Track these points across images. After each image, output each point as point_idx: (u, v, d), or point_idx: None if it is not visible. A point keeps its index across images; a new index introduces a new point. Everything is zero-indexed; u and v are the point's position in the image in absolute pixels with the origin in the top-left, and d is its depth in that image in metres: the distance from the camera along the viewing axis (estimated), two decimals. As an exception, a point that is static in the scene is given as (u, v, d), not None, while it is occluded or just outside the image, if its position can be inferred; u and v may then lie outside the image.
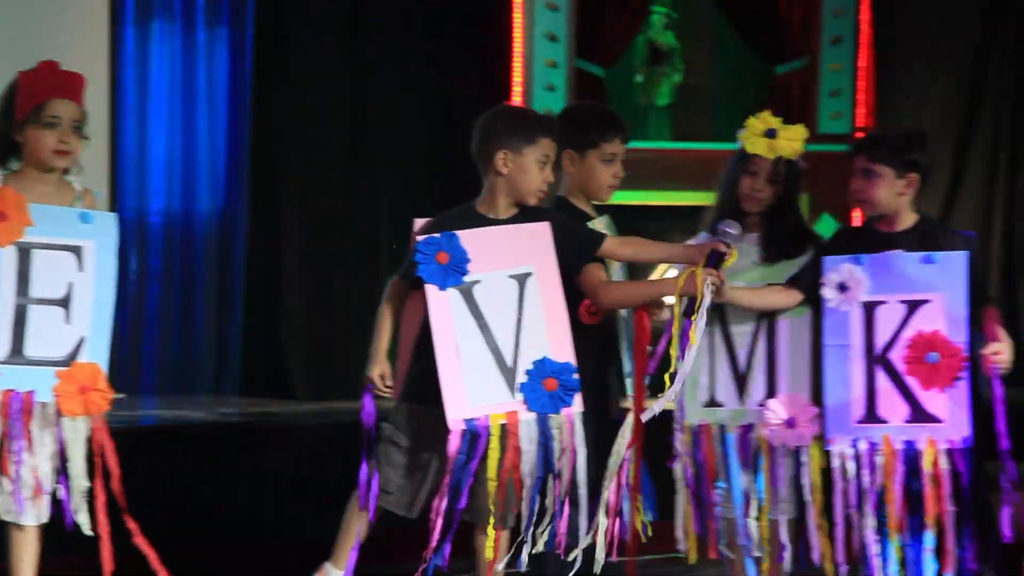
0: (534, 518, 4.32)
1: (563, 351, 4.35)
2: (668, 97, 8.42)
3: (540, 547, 4.35)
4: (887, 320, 4.37)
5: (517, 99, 7.70)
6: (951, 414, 4.30)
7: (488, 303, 4.36)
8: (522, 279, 4.37)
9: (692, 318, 4.26)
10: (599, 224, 4.78)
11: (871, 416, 4.37)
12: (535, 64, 7.83)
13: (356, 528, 4.37)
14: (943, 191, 7.99)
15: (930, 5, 7.83)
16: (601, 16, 8.20)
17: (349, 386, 6.16)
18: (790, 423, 4.41)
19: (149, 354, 7.98)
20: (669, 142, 8.34)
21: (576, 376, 4.34)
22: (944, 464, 4.27)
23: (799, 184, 4.55)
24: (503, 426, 4.29)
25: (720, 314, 4.45)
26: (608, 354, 4.75)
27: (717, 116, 8.91)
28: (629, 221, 6.46)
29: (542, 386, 4.33)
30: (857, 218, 7.72)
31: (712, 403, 4.50)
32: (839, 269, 4.38)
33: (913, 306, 4.36)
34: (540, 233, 4.40)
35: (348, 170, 7.92)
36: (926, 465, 4.28)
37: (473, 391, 4.30)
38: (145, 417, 6.82)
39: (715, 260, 4.25)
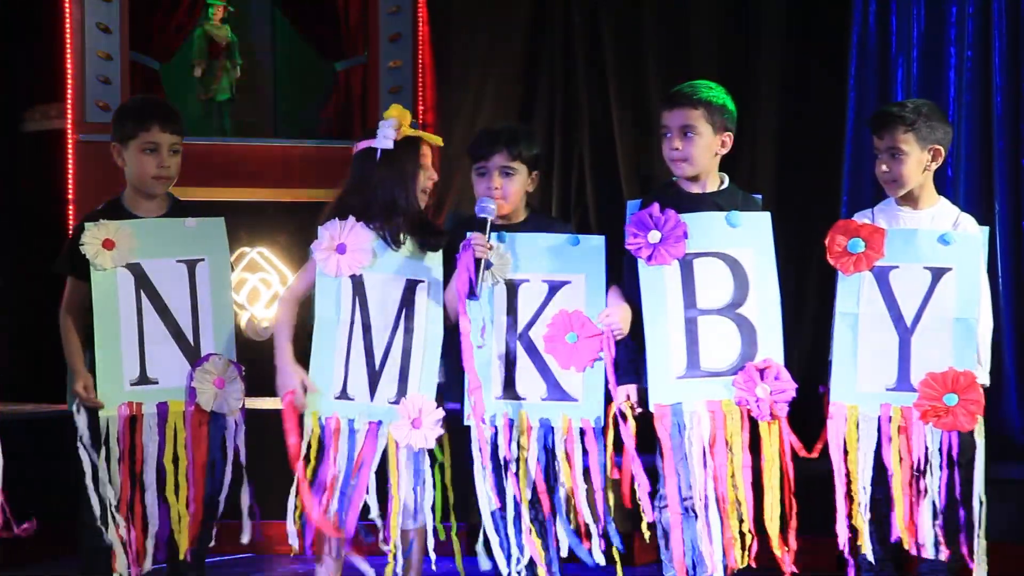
0: None
1: None
2: (228, 92, 8.28)
3: None
4: (529, 298, 4.46)
5: (70, 92, 7.41)
6: (586, 394, 4.42)
7: None
8: None
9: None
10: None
11: (510, 392, 4.44)
12: (88, 56, 7.54)
13: None
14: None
15: (485, 4, 7.99)
16: (155, 8, 7.99)
17: None
18: (415, 424, 4.38)
19: None
20: (230, 138, 8.20)
21: None
22: (577, 442, 4.40)
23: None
24: None
25: (362, 303, 4.42)
26: None
27: (278, 111, 8.84)
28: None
29: None
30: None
31: (344, 395, 4.42)
32: None
33: (555, 286, 4.46)
34: None
35: None
36: (559, 443, 4.40)
37: None
38: None
39: (482, 229, 4.34)
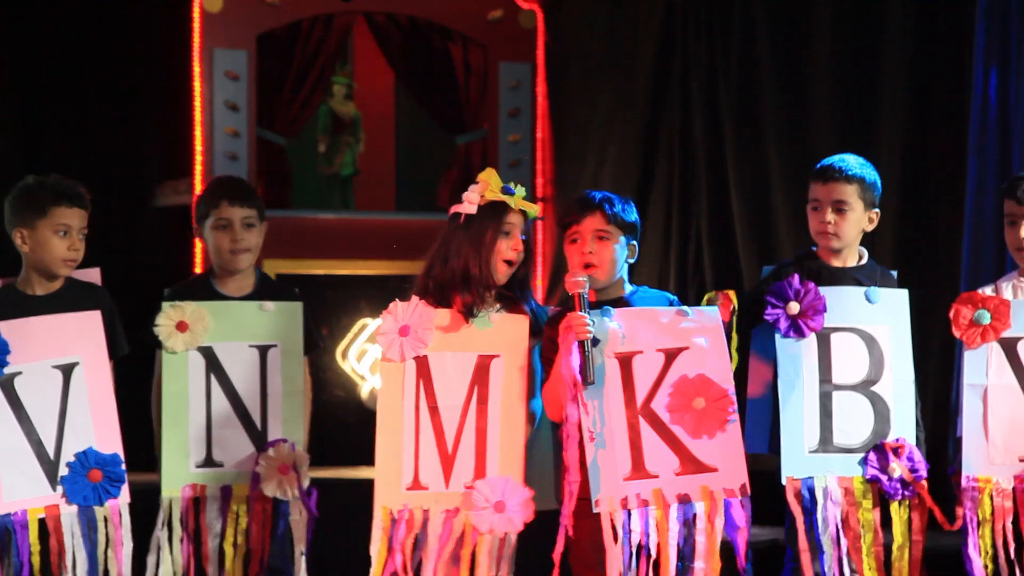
0: None
1: (110, 442, 4.34)
2: (351, 167, 8.43)
3: None
4: (645, 369, 4.15)
5: (199, 168, 7.59)
6: (725, 461, 4.14)
7: (29, 395, 4.31)
8: (67, 369, 4.35)
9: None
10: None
11: (639, 471, 4.12)
12: (216, 133, 7.73)
13: None
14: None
15: (603, 78, 8.07)
16: (281, 86, 8.17)
17: None
18: (498, 507, 4.10)
19: None
20: (353, 211, 8.35)
21: (123, 467, 4.33)
22: (720, 516, 4.09)
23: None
24: (42, 520, 4.24)
25: (427, 385, 4.15)
26: None
27: (400, 186, 8.96)
28: (316, 291, 6.43)
29: (86, 478, 4.29)
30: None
31: (417, 485, 4.14)
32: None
33: (671, 354, 4.17)
34: (89, 321, 4.39)
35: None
36: (701, 519, 4.09)
37: (9, 486, 4.25)
38: None
39: (582, 306, 4.04)
